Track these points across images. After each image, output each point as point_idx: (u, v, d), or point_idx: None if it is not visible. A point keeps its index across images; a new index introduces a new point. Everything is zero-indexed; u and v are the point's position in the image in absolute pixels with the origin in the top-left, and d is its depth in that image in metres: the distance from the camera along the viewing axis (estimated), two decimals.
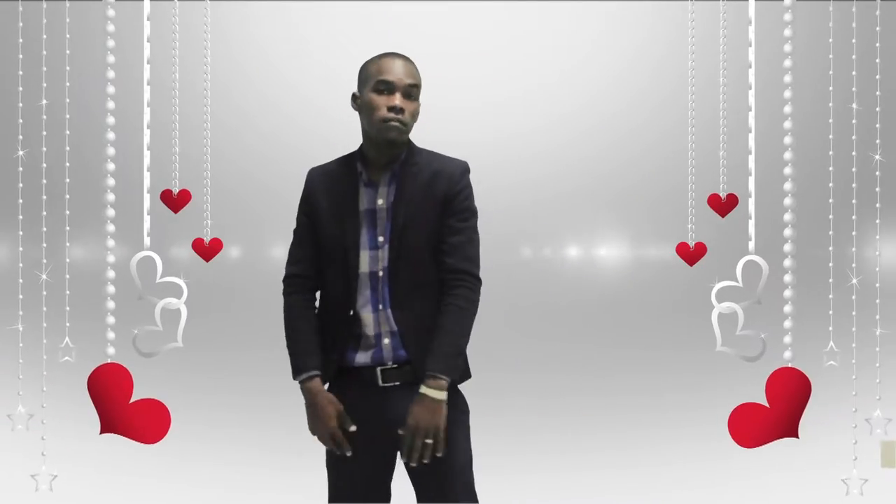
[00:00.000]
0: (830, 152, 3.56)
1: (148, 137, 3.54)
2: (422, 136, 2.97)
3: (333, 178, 2.79)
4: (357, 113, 2.83)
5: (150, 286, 3.56)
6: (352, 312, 2.74)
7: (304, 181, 2.87)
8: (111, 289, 3.57)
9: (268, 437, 5.38)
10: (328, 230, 2.77)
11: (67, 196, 3.60)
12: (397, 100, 2.68)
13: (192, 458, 5.23)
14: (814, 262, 4.15)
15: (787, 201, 3.53)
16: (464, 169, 2.81)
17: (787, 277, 3.53)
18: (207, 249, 3.97)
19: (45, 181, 3.61)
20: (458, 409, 2.78)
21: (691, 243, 3.89)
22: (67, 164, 3.58)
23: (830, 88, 3.54)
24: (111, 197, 3.57)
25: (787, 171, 3.50)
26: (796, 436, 3.51)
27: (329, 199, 2.74)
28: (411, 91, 2.72)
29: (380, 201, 2.74)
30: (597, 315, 5.67)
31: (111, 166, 3.55)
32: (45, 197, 3.61)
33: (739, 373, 3.79)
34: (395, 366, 2.75)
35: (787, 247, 3.54)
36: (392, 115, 2.69)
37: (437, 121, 3.17)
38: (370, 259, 2.75)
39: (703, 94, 3.70)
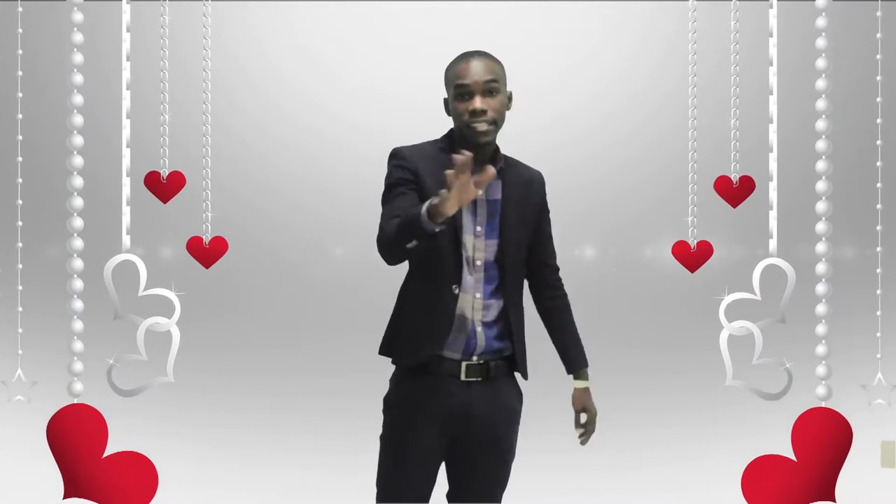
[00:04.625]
0: (878, 120, 3.01)
1: (128, 102, 3.04)
2: (424, 136, 2.85)
3: (431, 158, 2.71)
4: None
5: (130, 300, 3.07)
6: (456, 290, 2.69)
7: (394, 157, 2.74)
8: (78, 304, 3.04)
9: (280, 499, 4.61)
10: None
11: (20, 180, 3.07)
12: (477, 103, 2.65)
13: None
14: (854, 268, 3.87)
15: (821, 186, 2.97)
16: (544, 179, 2.93)
17: (821, 288, 2.98)
18: (207, 251, 3.34)
19: None
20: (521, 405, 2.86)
21: (692, 242, 3.28)
22: (20, 138, 3.05)
23: (878, 35, 3.01)
24: (79, 181, 3.04)
25: (821, 145, 2.97)
26: (833, 500, 3.00)
27: (432, 178, 2.66)
28: (491, 87, 2.68)
29: (479, 192, 2.61)
30: (596, 315, 4.93)
31: (78, 140, 3.02)
32: None
33: (757, 412, 3.46)
34: (481, 362, 2.70)
35: (821, 246, 2.98)
36: (475, 119, 2.65)
37: (436, 121, 2.91)
38: (470, 245, 2.72)
39: (704, 87, 3.37)
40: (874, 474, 3.48)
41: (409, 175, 2.71)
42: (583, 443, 2.89)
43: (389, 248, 2.61)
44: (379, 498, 2.76)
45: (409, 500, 2.72)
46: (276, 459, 4.73)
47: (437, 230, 2.51)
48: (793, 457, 2.98)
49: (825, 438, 2.96)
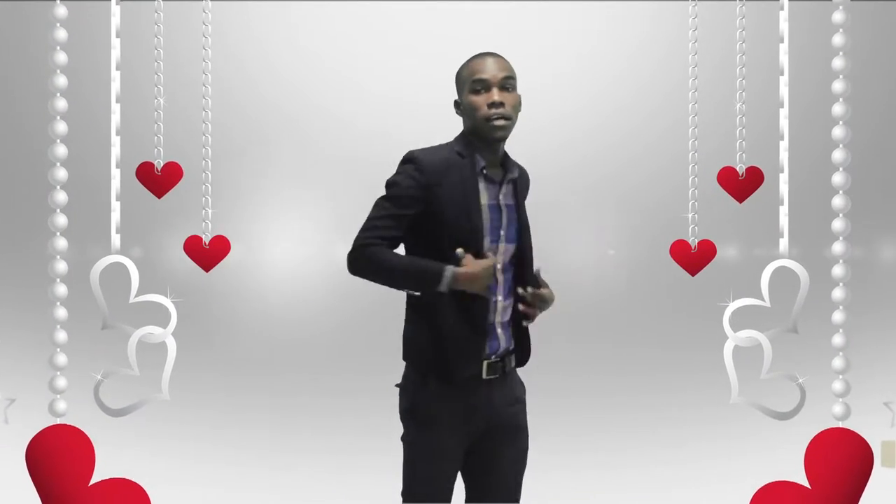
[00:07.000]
0: None
1: (118, 84, 2.85)
2: (423, 137, 2.79)
3: (451, 167, 2.72)
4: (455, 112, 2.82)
5: (121, 308, 2.91)
6: (495, 298, 2.78)
7: (412, 163, 2.71)
8: (61, 312, 2.87)
9: None
10: (456, 220, 2.72)
11: None
12: (495, 95, 2.70)
13: None
14: (875, 270, 3.68)
15: (837, 178, 2.76)
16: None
17: (838, 293, 2.80)
18: (207, 252, 3.17)
19: None
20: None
21: (693, 242, 3.11)
22: None
23: None
24: (62, 174, 2.85)
25: (838, 132, 2.74)
26: None
27: (451, 189, 2.71)
28: (507, 83, 2.75)
29: (501, 197, 2.77)
30: (596, 316, 5.22)
31: (62, 127, 2.84)
32: None
33: (766, 433, 3.31)
34: (499, 360, 2.77)
35: (838, 246, 2.80)
36: (494, 110, 2.70)
37: (437, 121, 2.89)
38: (492, 252, 2.82)
39: (709, 68, 3.31)
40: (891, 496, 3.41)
41: (418, 192, 2.71)
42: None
43: (371, 267, 2.68)
44: (405, 498, 2.82)
45: (436, 501, 2.80)
46: (280, 484, 4.64)
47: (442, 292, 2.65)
48: (806, 484, 2.85)
49: (843, 463, 2.82)
